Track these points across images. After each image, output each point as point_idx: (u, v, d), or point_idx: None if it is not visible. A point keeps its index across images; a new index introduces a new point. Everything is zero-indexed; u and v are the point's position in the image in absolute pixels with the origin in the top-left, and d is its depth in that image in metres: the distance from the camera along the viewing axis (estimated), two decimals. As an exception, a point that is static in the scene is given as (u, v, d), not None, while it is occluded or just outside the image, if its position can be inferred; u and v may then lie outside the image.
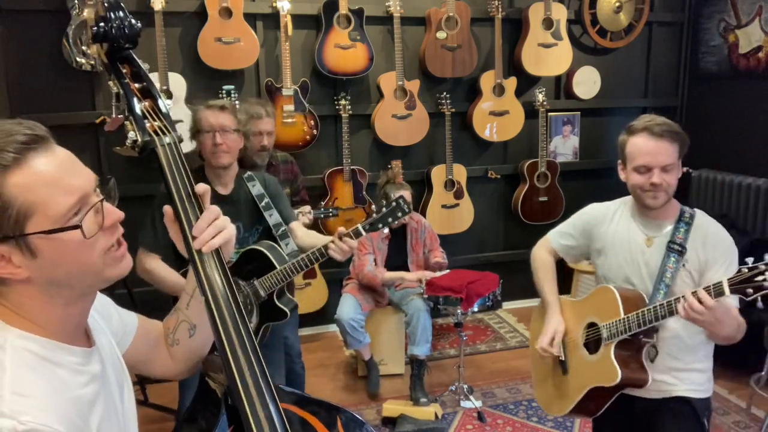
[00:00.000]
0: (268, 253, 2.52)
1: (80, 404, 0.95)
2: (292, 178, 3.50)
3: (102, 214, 0.95)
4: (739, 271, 1.69)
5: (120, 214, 0.98)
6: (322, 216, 3.70)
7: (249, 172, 2.69)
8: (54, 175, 0.91)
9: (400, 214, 2.46)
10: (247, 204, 2.62)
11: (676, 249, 1.98)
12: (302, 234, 2.75)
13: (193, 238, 1.09)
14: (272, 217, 2.64)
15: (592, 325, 2.11)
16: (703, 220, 2.03)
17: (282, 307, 2.59)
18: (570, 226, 2.32)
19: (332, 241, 2.42)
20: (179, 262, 2.50)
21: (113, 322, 1.20)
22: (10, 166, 0.88)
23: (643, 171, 1.96)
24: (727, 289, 1.69)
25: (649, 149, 1.94)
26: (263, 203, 2.62)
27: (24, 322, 0.95)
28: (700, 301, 1.73)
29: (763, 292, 1.63)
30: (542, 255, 2.38)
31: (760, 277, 1.64)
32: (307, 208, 3.44)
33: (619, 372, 1.95)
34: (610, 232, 2.15)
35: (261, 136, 3.21)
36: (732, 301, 1.85)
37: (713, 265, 1.95)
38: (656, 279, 2.00)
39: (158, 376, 1.35)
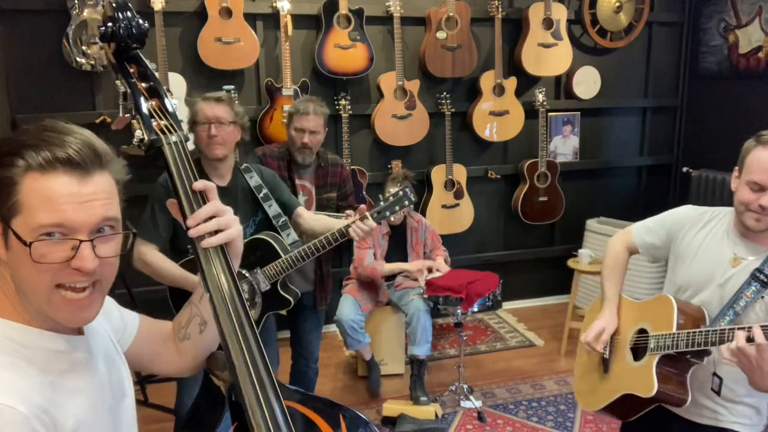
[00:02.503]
0: (273, 242, 2.56)
1: (54, 390, 0.95)
2: (339, 182, 3.31)
3: (75, 254, 0.94)
4: None
5: (89, 268, 0.95)
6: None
7: (246, 164, 2.70)
8: (56, 195, 0.93)
9: (406, 203, 2.52)
10: (245, 195, 2.63)
11: (761, 279, 1.79)
12: (310, 217, 2.75)
13: (189, 228, 1.08)
14: (272, 208, 2.65)
15: (643, 331, 2.00)
16: None
17: (285, 296, 2.63)
18: (658, 223, 2.12)
19: (353, 222, 2.48)
20: (176, 255, 2.52)
21: (113, 320, 1.20)
22: (34, 168, 0.93)
23: (756, 189, 1.75)
24: None
25: None
26: (262, 194, 2.63)
27: (7, 307, 0.98)
28: (750, 339, 1.59)
29: None
30: (617, 248, 2.20)
31: None
32: (350, 212, 3.21)
33: (656, 386, 1.85)
34: (698, 239, 1.97)
35: (303, 133, 3.09)
36: None
37: None
38: (727, 303, 1.83)
39: (164, 374, 1.35)
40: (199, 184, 1.09)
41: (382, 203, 2.52)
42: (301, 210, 2.76)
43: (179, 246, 2.55)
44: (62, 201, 0.93)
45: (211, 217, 1.08)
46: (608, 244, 2.26)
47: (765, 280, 1.78)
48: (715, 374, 1.87)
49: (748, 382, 1.73)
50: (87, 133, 0.99)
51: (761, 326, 1.60)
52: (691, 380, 1.87)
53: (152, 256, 2.45)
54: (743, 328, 1.64)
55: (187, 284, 2.39)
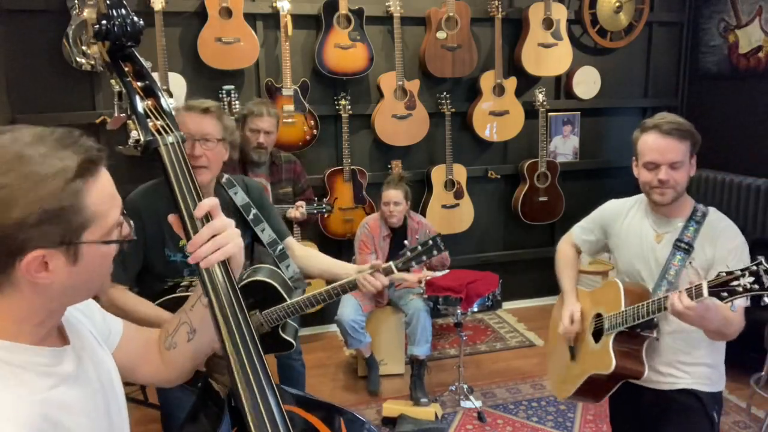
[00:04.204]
0: (276, 285, 2.24)
1: (47, 407, 0.92)
2: (294, 177, 3.52)
3: (123, 229, 0.99)
4: (719, 274, 1.72)
5: (129, 233, 1.01)
6: (314, 212, 3.61)
7: (227, 176, 2.30)
8: (111, 190, 0.97)
9: (435, 252, 2.29)
10: (230, 214, 2.17)
11: (682, 247, 2.01)
12: (302, 254, 2.43)
13: (189, 251, 1.08)
14: (265, 233, 2.31)
15: (599, 316, 2.18)
16: (714, 218, 2.05)
17: (287, 338, 2.35)
18: (590, 221, 2.38)
19: (363, 276, 2.18)
20: (144, 292, 2.16)
21: (96, 322, 1.17)
22: (90, 178, 0.92)
23: (651, 168, 2.01)
24: (705, 292, 1.73)
25: (657, 146, 1.99)
26: (251, 216, 2.28)
27: None
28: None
29: (735, 297, 1.68)
30: (565, 248, 2.46)
31: (734, 282, 1.68)
32: (301, 202, 3.45)
33: (614, 361, 2.02)
34: (624, 228, 2.20)
35: (258, 134, 3.26)
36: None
37: (720, 263, 1.94)
38: (659, 275, 2.04)
39: (145, 383, 1.32)
40: (204, 208, 1.09)
41: (409, 253, 2.25)
42: (291, 242, 2.43)
43: (148, 281, 2.19)
44: (113, 191, 0.98)
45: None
46: (557, 247, 2.51)
47: (686, 247, 2.01)
48: (656, 339, 2.08)
49: (704, 332, 1.94)
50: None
51: (686, 290, 1.78)
52: (647, 352, 2.06)
53: (126, 300, 2.05)
54: (677, 292, 1.82)
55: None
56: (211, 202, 1.09)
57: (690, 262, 2.00)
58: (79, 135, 0.95)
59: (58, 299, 0.96)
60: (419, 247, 2.25)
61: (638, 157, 2.07)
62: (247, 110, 3.36)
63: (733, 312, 1.84)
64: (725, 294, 1.70)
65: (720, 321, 1.85)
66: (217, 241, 1.08)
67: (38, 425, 0.89)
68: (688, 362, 2.06)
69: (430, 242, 2.26)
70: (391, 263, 2.22)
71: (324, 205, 3.62)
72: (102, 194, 0.94)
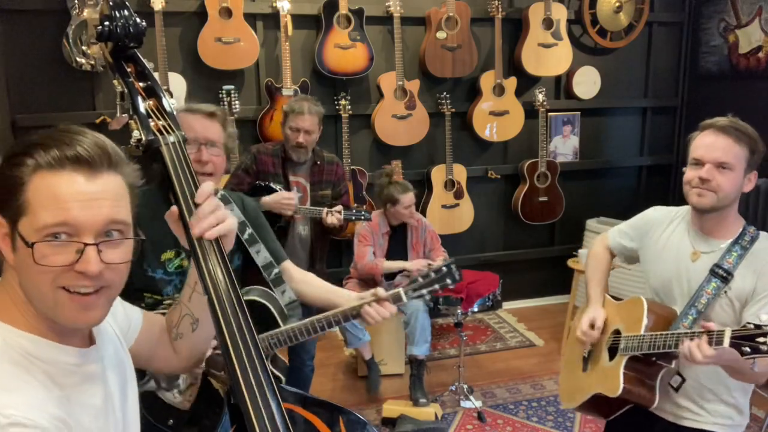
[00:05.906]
0: (270, 306, 1.99)
1: (70, 403, 0.95)
2: (335, 180, 3.37)
3: (80, 257, 0.92)
4: (745, 325, 1.55)
5: (93, 271, 0.92)
6: (353, 218, 3.33)
7: (222, 192, 2.07)
8: (62, 193, 0.92)
9: (449, 281, 1.99)
10: None
11: (720, 274, 1.79)
12: (300, 278, 2.18)
13: (192, 225, 1.08)
14: (260, 255, 2.06)
15: (618, 332, 2.01)
16: (764, 246, 1.81)
17: (276, 373, 2.04)
18: (630, 225, 2.16)
19: (368, 303, 1.90)
20: (131, 301, 1.77)
21: (119, 318, 1.20)
22: (43, 167, 0.92)
23: (696, 165, 1.80)
24: (727, 341, 1.55)
25: (707, 142, 1.78)
26: (246, 236, 2.03)
27: (19, 318, 0.96)
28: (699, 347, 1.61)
29: (757, 355, 1.50)
30: (598, 250, 2.25)
31: (761, 339, 1.50)
32: (338, 207, 3.22)
33: (621, 386, 1.86)
34: (663, 238, 1.99)
35: (298, 133, 3.16)
36: None
37: (760, 299, 1.75)
38: (688, 302, 1.84)
39: (161, 371, 1.34)
40: (204, 194, 1.09)
41: (420, 279, 1.97)
42: (288, 265, 2.17)
43: (128, 295, 1.93)
44: (68, 199, 0.91)
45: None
46: (591, 248, 2.30)
47: (724, 275, 1.79)
48: (678, 373, 1.88)
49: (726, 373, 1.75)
50: (99, 135, 0.99)
51: (707, 333, 1.60)
52: (662, 383, 1.88)
53: None
54: (693, 338, 1.64)
55: None
56: (210, 188, 1.10)
57: (725, 292, 1.79)
58: (85, 135, 0.96)
59: (30, 295, 0.95)
60: (432, 274, 1.97)
61: (689, 158, 1.85)
62: (289, 107, 3.25)
63: (755, 372, 1.60)
64: (747, 349, 1.50)
65: (739, 369, 1.66)
66: (218, 215, 1.09)
67: (61, 418, 0.92)
68: (708, 399, 1.88)
69: (444, 269, 1.98)
70: (400, 290, 1.94)
71: (363, 212, 3.34)
72: (44, 189, 0.91)
